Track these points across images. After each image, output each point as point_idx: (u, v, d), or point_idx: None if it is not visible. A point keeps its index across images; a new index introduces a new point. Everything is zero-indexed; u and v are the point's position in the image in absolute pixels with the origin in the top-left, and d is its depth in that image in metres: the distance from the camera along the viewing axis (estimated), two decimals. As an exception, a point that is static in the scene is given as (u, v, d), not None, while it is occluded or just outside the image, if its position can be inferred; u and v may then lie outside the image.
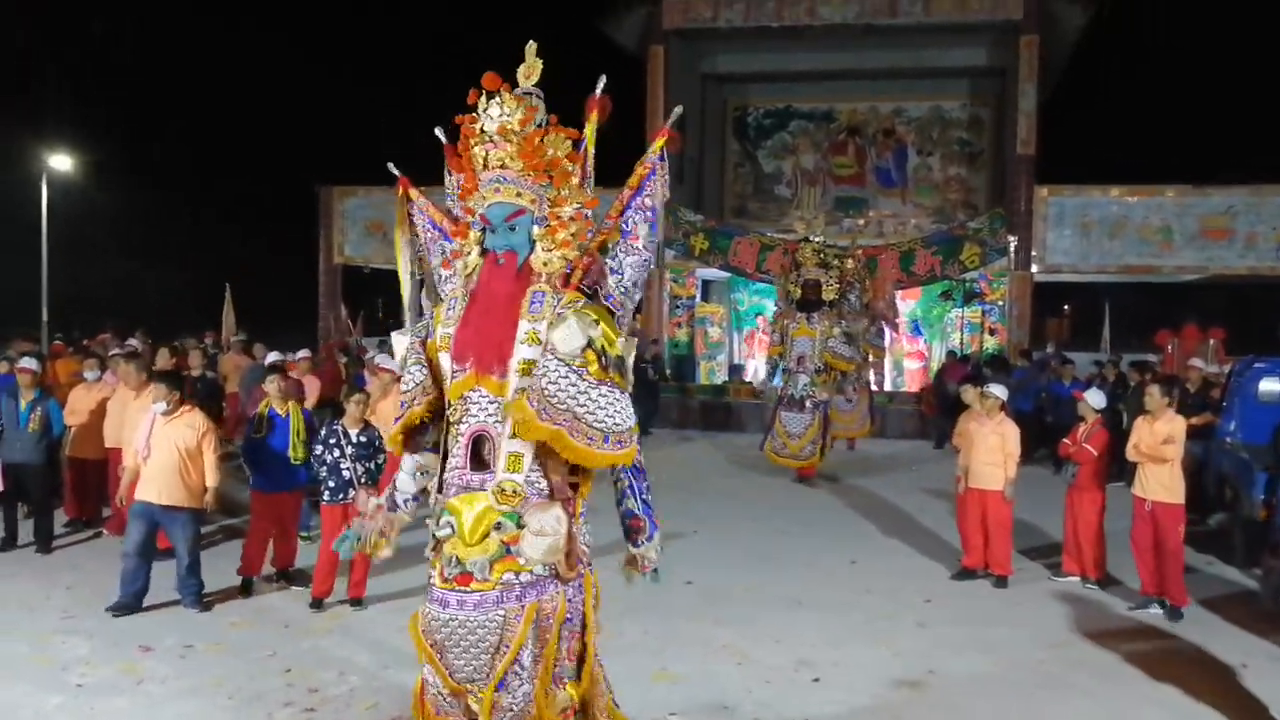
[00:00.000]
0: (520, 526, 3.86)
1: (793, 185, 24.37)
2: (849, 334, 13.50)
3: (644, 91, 20.99)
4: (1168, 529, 7.81)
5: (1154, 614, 7.82)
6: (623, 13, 21.26)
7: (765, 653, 6.84)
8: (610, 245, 4.22)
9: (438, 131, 4.38)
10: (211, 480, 7.66)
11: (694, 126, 23.22)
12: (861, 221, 23.50)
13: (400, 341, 4.37)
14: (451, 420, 4.06)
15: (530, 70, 4.10)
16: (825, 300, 13.40)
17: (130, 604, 7.41)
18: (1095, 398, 8.93)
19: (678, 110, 4.28)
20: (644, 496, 4.31)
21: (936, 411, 17.08)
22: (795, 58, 22.53)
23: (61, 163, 24.83)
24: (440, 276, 4.51)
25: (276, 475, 8.06)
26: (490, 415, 3.95)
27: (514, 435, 3.86)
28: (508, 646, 3.86)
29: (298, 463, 8.03)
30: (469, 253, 4.16)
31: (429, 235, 4.60)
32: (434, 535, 4.01)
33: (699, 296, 22.68)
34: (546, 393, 3.75)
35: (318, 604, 7.63)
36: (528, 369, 3.88)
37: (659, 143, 4.21)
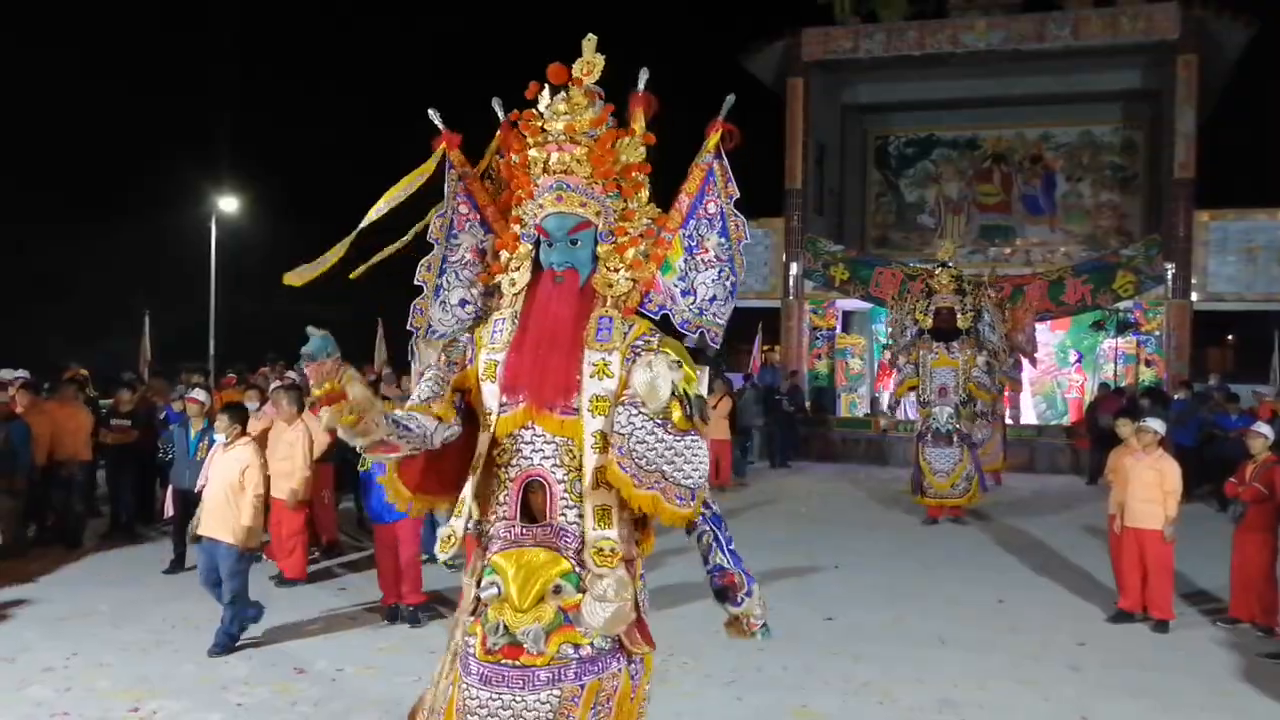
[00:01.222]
0: (581, 590, 3.31)
1: (936, 214, 23.93)
2: (990, 363, 13.06)
3: (783, 125, 21.02)
4: None
5: None
6: (763, 48, 21.37)
7: (907, 692, 6.68)
8: (674, 263, 3.72)
9: (496, 104, 3.82)
10: (246, 519, 7.35)
11: (834, 157, 23.10)
12: (1008, 250, 22.90)
13: (431, 353, 3.77)
14: (499, 462, 3.47)
15: (590, 67, 3.54)
16: (962, 329, 12.94)
17: (225, 643, 7.36)
18: (1266, 430, 8.45)
19: (729, 99, 3.78)
20: (730, 548, 3.71)
21: (1090, 445, 16.44)
22: (937, 86, 22.18)
23: (229, 204, 26.36)
24: (463, 259, 3.91)
25: (382, 506, 7.80)
26: (547, 458, 3.40)
27: (596, 486, 3.33)
28: None
29: None
30: (518, 268, 3.60)
31: (464, 214, 3.95)
32: (474, 596, 3.46)
33: (839, 327, 22.44)
34: (636, 453, 3.18)
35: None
36: (602, 407, 3.37)
37: (712, 139, 3.76)
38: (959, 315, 12.93)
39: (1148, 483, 8.25)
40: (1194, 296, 19.32)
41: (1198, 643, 7.95)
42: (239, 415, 7.85)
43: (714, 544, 3.67)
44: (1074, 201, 23.23)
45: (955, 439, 12.71)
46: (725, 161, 3.80)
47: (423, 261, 3.97)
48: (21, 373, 12.09)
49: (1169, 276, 19.08)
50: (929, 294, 13.21)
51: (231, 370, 17.52)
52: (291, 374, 15.55)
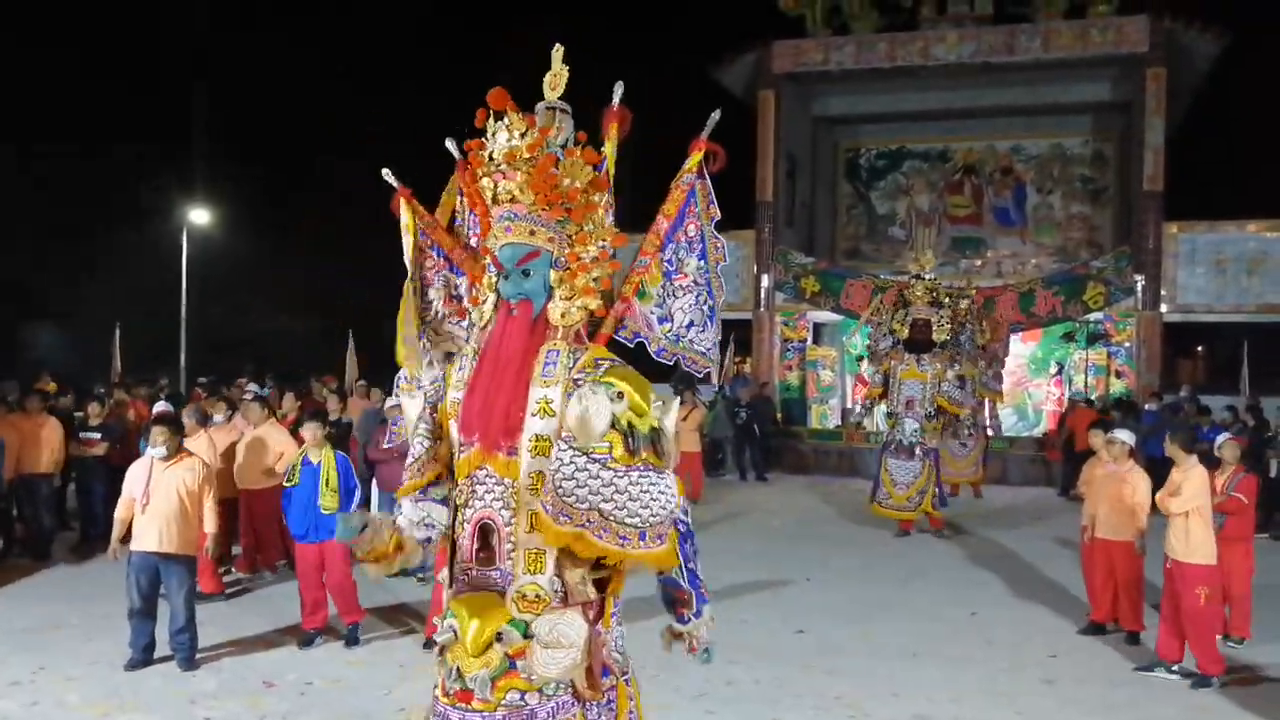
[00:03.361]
0: (527, 636, 3.21)
1: (907, 226, 24.02)
2: (962, 377, 13.06)
3: (754, 137, 21.05)
4: (1184, 591, 7.32)
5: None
6: (733, 59, 21.40)
7: (881, 705, 6.66)
8: (651, 289, 3.62)
9: (450, 145, 3.77)
10: (210, 526, 7.44)
11: (805, 169, 23.16)
12: (979, 262, 23.02)
13: (413, 406, 3.67)
14: (458, 503, 3.44)
15: (556, 80, 3.47)
16: (936, 341, 12.84)
17: (145, 659, 7.24)
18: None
19: (714, 116, 3.71)
20: (690, 565, 3.57)
21: (1061, 457, 16.52)
22: (908, 98, 22.30)
23: (200, 216, 26.14)
24: (439, 315, 3.90)
25: (306, 525, 7.76)
26: (497, 500, 3.33)
27: (531, 529, 3.25)
28: None
29: (327, 512, 7.50)
30: (484, 300, 3.50)
31: (432, 264, 3.94)
32: (435, 638, 3.44)
33: (810, 339, 22.47)
34: (561, 490, 3.09)
35: (432, 644, 7.69)
36: (542, 448, 3.25)
37: (695, 158, 3.68)
38: (934, 327, 12.84)
39: (1118, 495, 8.28)
40: (1164, 308, 19.47)
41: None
42: (177, 427, 7.66)
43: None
44: (1045, 213, 23.40)
45: (918, 452, 12.66)
46: (708, 182, 3.73)
47: (400, 340, 3.93)
48: None
49: (1139, 288, 19.23)
50: (905, 305, 13.15)
51: (201, 382, 17.34)
52: (253, 387, 15.43)
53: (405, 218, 3.95)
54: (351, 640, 7.85)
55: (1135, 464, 8.48)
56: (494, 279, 3.45)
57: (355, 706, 6.51)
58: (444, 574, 3.60)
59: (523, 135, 3.33)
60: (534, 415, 3.28)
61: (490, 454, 3.32)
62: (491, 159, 3.38)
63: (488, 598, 3.32)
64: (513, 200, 3.37)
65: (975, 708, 6.67)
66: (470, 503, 3.39)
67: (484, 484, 3.35)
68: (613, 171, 3.57)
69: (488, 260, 3.48)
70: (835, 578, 10.33)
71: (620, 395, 3.18)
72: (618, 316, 3.58)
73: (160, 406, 9.78)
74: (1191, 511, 7.35)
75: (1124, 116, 21.65)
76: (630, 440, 3.14)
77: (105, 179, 28.25)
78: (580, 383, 3.27)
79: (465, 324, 3.81)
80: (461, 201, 3.89)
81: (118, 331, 19.47)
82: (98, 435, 11.17)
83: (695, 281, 3.68)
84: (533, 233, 3.37)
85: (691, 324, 3.65)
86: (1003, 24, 20.32)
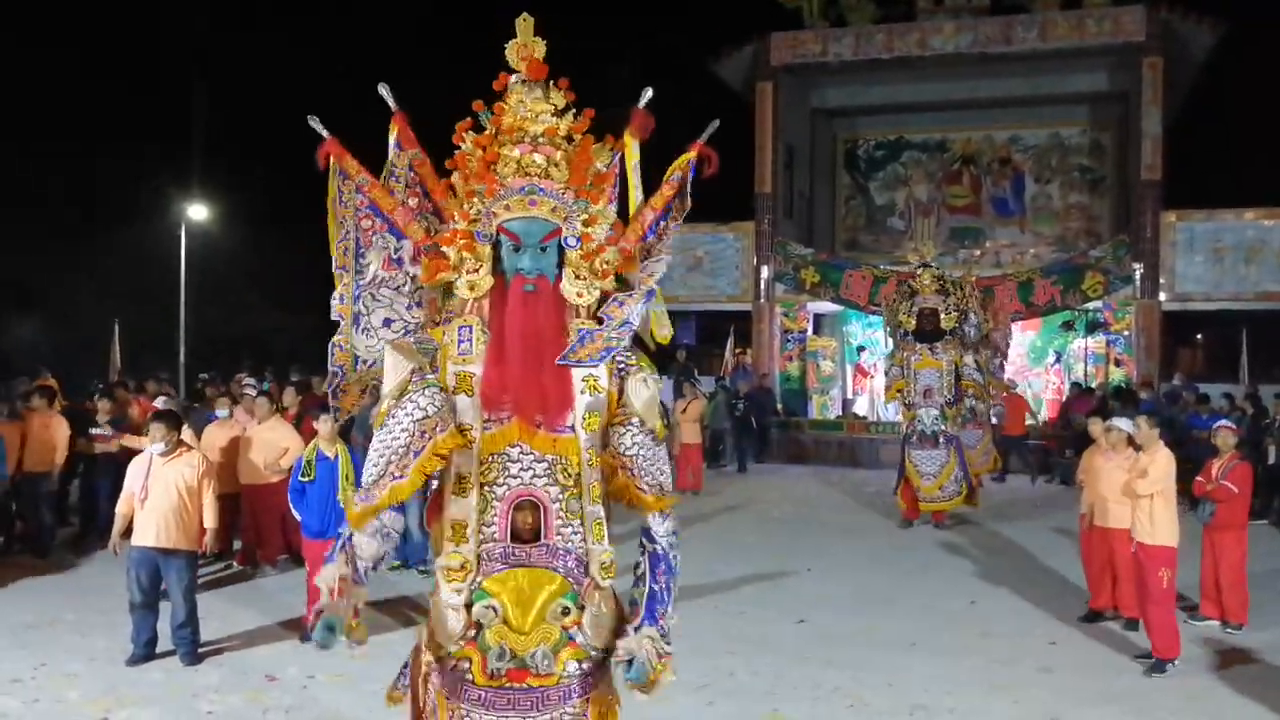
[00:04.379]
0: (580, 607, 3.33)
1: (906, 217, 24.04)
2: (977, 361, 13.03)
3: (752, 129, 21.05)
4: (1148, 571, 7.36)
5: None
6: (731, 52, 21.39)
7: (878, 697, 6.68)
8: (626, 276, 3.60)
9: (384, 90, 3.69)
10: (210, 521, 7.44)
11: (804, 161, 23.17)
12: (978, 252, 23.03)
13: (398, 362, 3.40)
14: (483, 481, 3.34)
15: (528, 50, 3.42)
16: (945, 329, 12.82)
17: (147, 654, 7.26)
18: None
19: (713, 124, 3.73)
20: (655, 585, 3.43)
21: (1058, 446, 16.54)
22: (906, 89, 22.31)
23: (199, 212, 26.11)
24: (376, 278, 3.65)
25: (325, 520, 7.72)
26: (540, 477, 3.32)
27: (594, 502, 3.36)
28: None
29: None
30: (476, 269, 3.38)
31: (367, 228, 3.75)
32: (464, 622, 3.33)
33: (810, 330, 22.50)
34: (649, 475, 3.38)
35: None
36: (593, 422, 3.37)
37: (687, 156, 3.68)
38: (942, 316, 12.81)
39: (1117, 483, 8.28)
40: (1162, 297, 19.50)
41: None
42: (175, 422, 7.64)
43: (641, 579, 3.46)
44: (1043, 203, 23.42)
45: (941, 440, 12.60)
46: (688, 186, 3.71)
47: (334, 296, 3.81)
48: None
49: (1137, 277, 19.25)
50: (911, 295, 13.12)
51: (203, 378, 17.37)
52: (251, 381, 15.40)
53: (343, 169, 3.74)
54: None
55: (1134, 451, 8.49)
56: (489, 249, 3.37)
57: (357, 701, 6.52)
58: (460, 552, 3.35)
59: (562, 112, 3.40)
60: (582, 392, 3.35)
61: (529, 430, 3.31)
62: (522, 130, 3.38)
63: (534, 573, 3.30)
64: (543, 175, 3.37)
65: (973, 698, 6.69)
66: (501, 480, 3.33)
67: (518, 461, 3.32)
68: (635, 170, 3.66)
69: (483, 229, 3.36)
70: (835, 568, 10.36)
71: (658, 378, 3.43)
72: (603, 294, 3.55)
73: (161, 403, 9.76)
74: (1157, 494, 7.38)
75: (1121, 106, 21.66)
76: (665, 418, 3.37)
77: (104, 178, 28.22)
78: (625, 366, 3.43)
79: (407, 289, 3.63)
80: (393, 159, 3.75)
81: (116, 329, 19.48)
82: (109, 432, 11.07)
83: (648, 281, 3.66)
84: (555, 210, 3.35)
85: (627, 323, 3.53)
86: (1000, 15, 20.34)
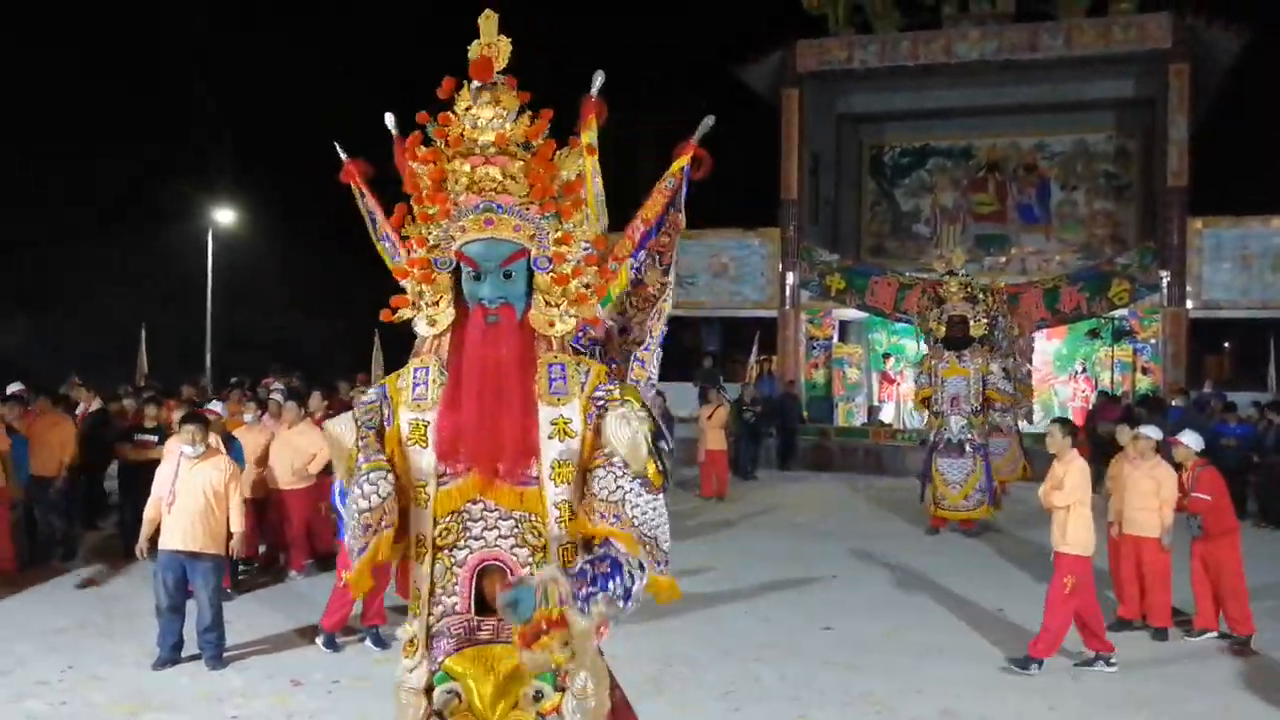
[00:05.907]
0: (560, 689, 2.85)
1: (931, 223, 23.97)
2: (1005, 370, 12.98)
3: (778, 135, 21.07)
4: (1055, 574, 7.33)
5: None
6: (757, 58, 21.43)
7: (906, 703, 6.66)
8: (615, 295, 3.36)
9: (389, 120, 3.40)
10: (236, 525, 7.45)
11: (829, 167, 23.17)
12: (1003, 259, 22.94)
13: (341, 432, 3.09)
14: (440, 544, 2.92)
15: (493, 49, 2.96)
16: (974, 336, 12.78)
17: (173, 657, 7.26)
18: (1192, 439, 8.44)
19: (708, 121, 3.44)
20: (597, 577, 2.76)
21: (1088, 454, 16.38)
22: (931, 96, 22.27)
23: (225, 216, 26.33)
24: None
25: None
26: (505, 537, 2.87)
27: (563, 565, 2.82)
28: None
29: None
30: (435, 302, 2.99)
31: (391, 249, 3.65)
32: (430, 708, 2.94)
33: (836, 337, 22.46)
34: (638, 521, 2.81)
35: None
36: (565, 473, 2.88)
37: (679, 162, 3.43)
38: (971, 323, 12.78)
39: (1144, 491, 8.24)
40: (1189, 304, 19.36)
41: (1196, 651, 7.94)
42: (205, 425, 7.64)
43: (587, 566, 2.80)
44: (1069, 210, 23.29)
45: (968, 448, 12.56)
46: (684, 191, 3.49)
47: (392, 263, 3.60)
48: (16, 386, 12.00)
49: (1164, 284, 19.12)
50: (939, 302, 13.12)
51: (233, 382, 17.46)
52: (279, 385, 15.48)
53: (357, 192, 3.85)
54: (381, 643, 7.83)
55: (1162, 460, 8.44)
56: (449, 278, 2.98)
57: (382, 707, 6.52)
58: (412, 626, 3.00)
59: (516, 116, 2.94)
60: (550, 438, 2.89)
61: (490, 484, 2.88)
62: (469, 139, 2.93)
63: (498, 651, 2.86)
64: (499, 190, 2.94)
65: (1002, 703, 6.66)
66: (462, 543, 2.90)
67: (481, 520, 2.89)
68: (591, 167, 3.34)
69: (442, 257, 2.97)
70: (861, 575, 10.33)
71: (646, 415, 2.92)
72: (579, 324, 3.16)
73: (210, 407, 9.76)
74: (1073, 504, 7.34)
75: (1147, 112, 21.54)
76: (659, 462, 2.86)
77: (126, 180, 28.42)
78: (602, 402, 2.93)
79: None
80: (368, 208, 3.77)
81: (144, 333, 19.65)
82: (155, 438, 10.71)
83: (656, 294, 3.48)
84: (517, 229, 2.93)
85: (642, 343, 3.34)
86: (1025, 22, 20.31)
